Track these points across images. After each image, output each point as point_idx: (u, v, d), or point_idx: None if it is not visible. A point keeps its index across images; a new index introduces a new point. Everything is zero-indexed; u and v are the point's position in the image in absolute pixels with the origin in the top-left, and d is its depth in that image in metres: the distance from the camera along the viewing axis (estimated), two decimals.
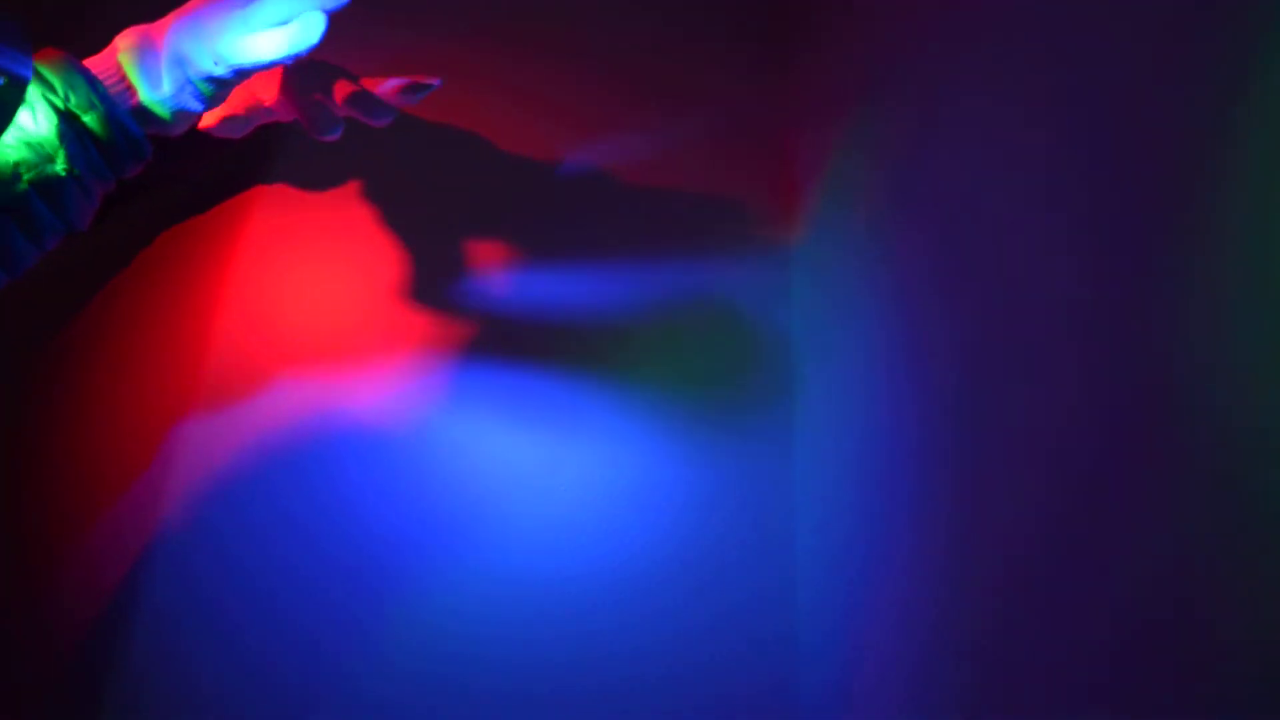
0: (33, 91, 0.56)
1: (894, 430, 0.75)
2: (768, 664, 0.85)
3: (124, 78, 0.60)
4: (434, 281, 0.91)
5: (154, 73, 0.60)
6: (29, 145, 0.57)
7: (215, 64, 0.60)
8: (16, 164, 0.56)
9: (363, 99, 0.69)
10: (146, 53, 0.60)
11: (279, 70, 0.69)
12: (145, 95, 0.60)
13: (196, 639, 0.80)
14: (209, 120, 0.70)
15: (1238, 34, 0.44)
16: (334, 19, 0.60)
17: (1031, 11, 0.61)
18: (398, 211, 0.92)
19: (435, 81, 0.72)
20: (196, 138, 0.72)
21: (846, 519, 0.81)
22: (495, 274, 0.92)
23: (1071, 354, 0.55)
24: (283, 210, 0.91)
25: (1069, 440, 0.55)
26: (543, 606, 0.84)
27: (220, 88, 0.62)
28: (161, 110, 0.61)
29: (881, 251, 0.80)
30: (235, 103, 0.71)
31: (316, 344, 0.89)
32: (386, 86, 0.71)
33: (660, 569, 0.86)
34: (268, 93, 0.71)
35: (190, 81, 0.61)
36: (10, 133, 0.56)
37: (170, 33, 0.60)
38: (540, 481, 0.87)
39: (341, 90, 0.69)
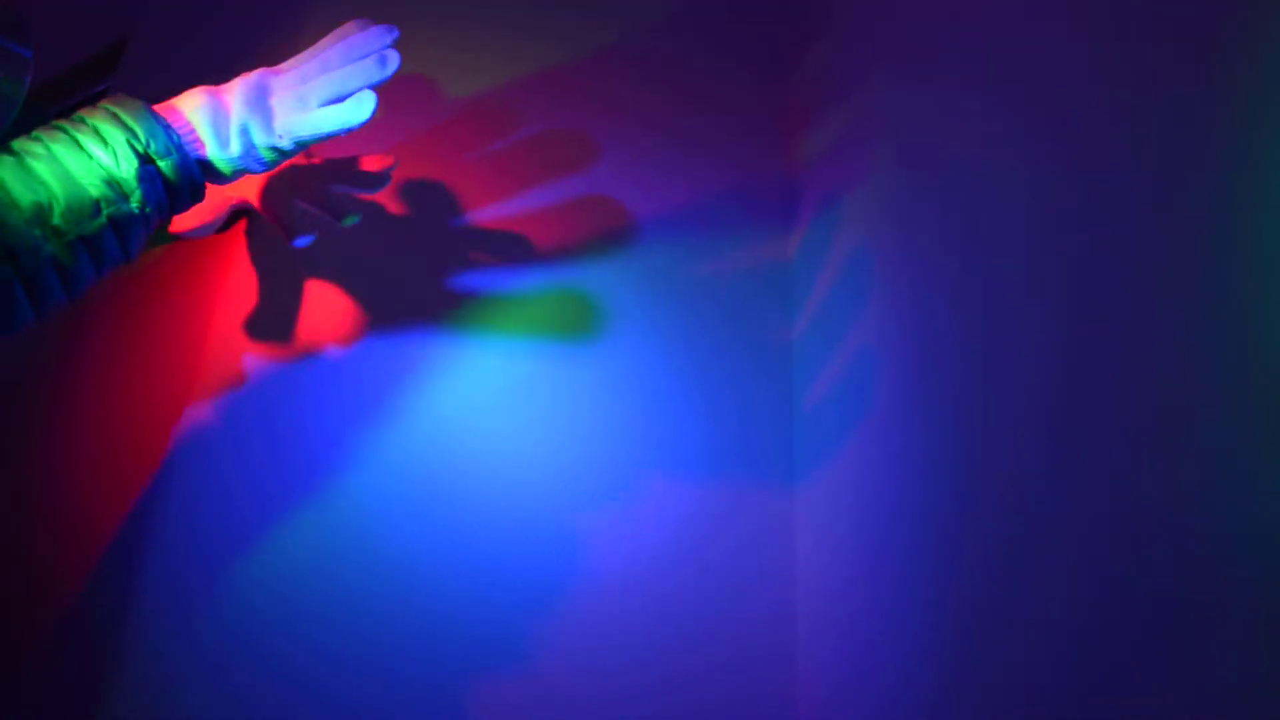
0: (116, 135, 0.63)
1: (897, 436, 0.74)
2: (767, 676, 0.84)
3: (194, 131, 0.66)
4: (436, 281, 0.91)
5: (224, 135, 0.66)
6: (109, 184, 0.62)
7: (280, 137, 0.67)
8: (98, 200, 0.62)
9: (333, 202, 0.79)
10: (218, 115, 0.66)
11: (260, 176, 0.78)
12: (214, 153, 0.67)
13: (193, 641, 0.80)
14: (181, 225, 0.79)
15: (1240, 33, 0.44)
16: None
17: (1038, 7, 0.62)
18: (396, 199, 0.93)
19: (391, 164, 0.82)
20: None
21: (849, 527, 0.80)
22: (495, 270, 0.92)
23: (1068, 352, 0.55)
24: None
25: (1075, 439, 0.54)
26: (544, 613, 0.84)
27: (281, 155, 0.69)
28: (225, 167, 0.68)
29: (887, 243, 0.79)
30: (209, 208, 0.79)
31: (317, 344, 0.89)
32: (343, 189, 0.81)
33: (660, 577, 0.86)
34: (249, 192, 0.80)
35: (255, 147, 0.67)
36: (95, 171, 0.62)
37: (237, 102, 0.67)
38: (543, 487, 0.87)
39: (311, 193, 0.79)
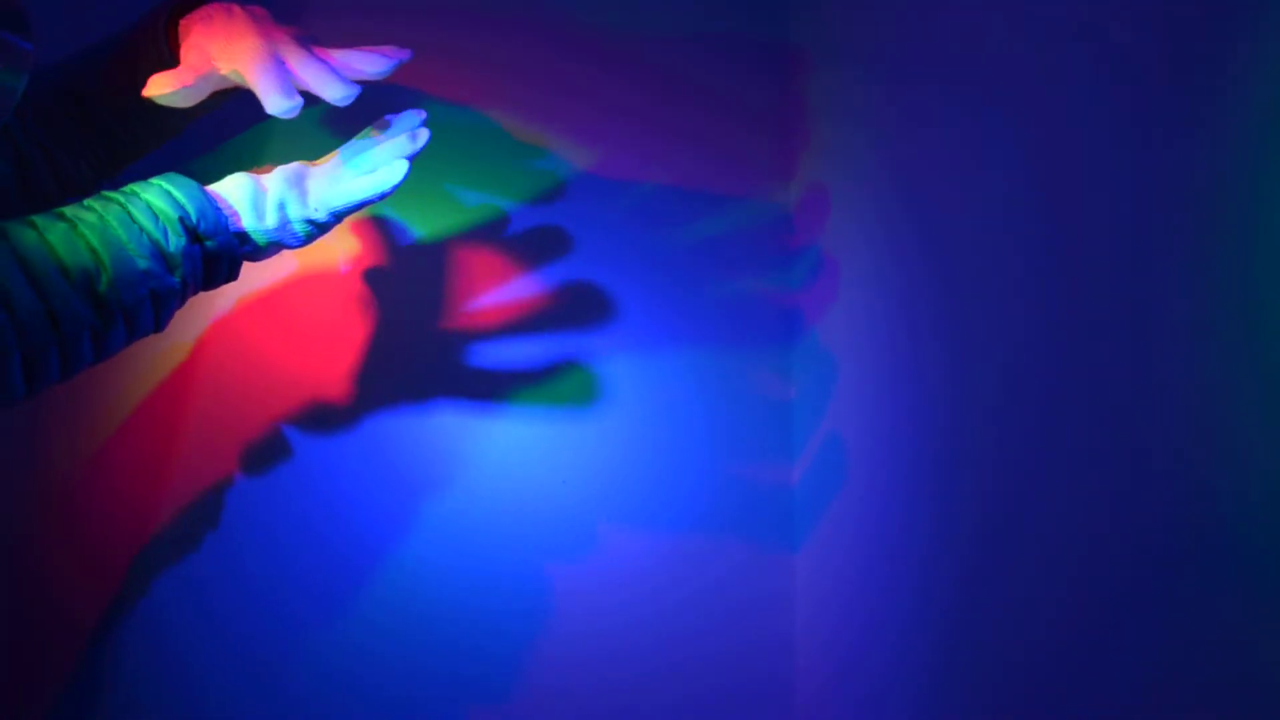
0: (169, 213, 0.65)
1: (894, 429, 0.75)
2: (765, 665, 0.85)
3: (233, 208, 0.69)
4: (439, 288, 0.91)
5: (261, 209, 0.69)
6: (156, 258, 0.64)
7: (315, 210, 0.70)
8: (145, 272, 0.63)
9: (321, 74, 0.71)
10: (258, 193, 0.69)
11: (245, 36, 0.71)
12: (250, 224, 0.69)
13: (193, 635, 0.80)
14: (156, 89, 0.70)
15: (1231, 37, 0.45)
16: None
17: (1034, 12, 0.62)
18: (402, 204, 0.92)
19: (404, 54, 0.74)
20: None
21: (848, 520, 0.81)
22: (496, 276, 0.92)
23: (1057, 352, 0.55)
24: None
25: (1072, 433, 0.55)
26: (546, 608, 0.84)
27: (316, 228, 0.71)
28: (260, 238, 0.70)
29: (882, 252, 0.80)
30: (188, 71, 0.71)
31: (315, 347, 0.89)
32: (348, 57, 0.72)
33: (661, 571, 0.86)
34: (225, 60, 0.71)
35: (290, 221, 0.70)
36: (145, 245, 0.63)
37: (275, 181, 0.70)
38: (541, 487, 0.87)
39: (300, 60, 0.71)
